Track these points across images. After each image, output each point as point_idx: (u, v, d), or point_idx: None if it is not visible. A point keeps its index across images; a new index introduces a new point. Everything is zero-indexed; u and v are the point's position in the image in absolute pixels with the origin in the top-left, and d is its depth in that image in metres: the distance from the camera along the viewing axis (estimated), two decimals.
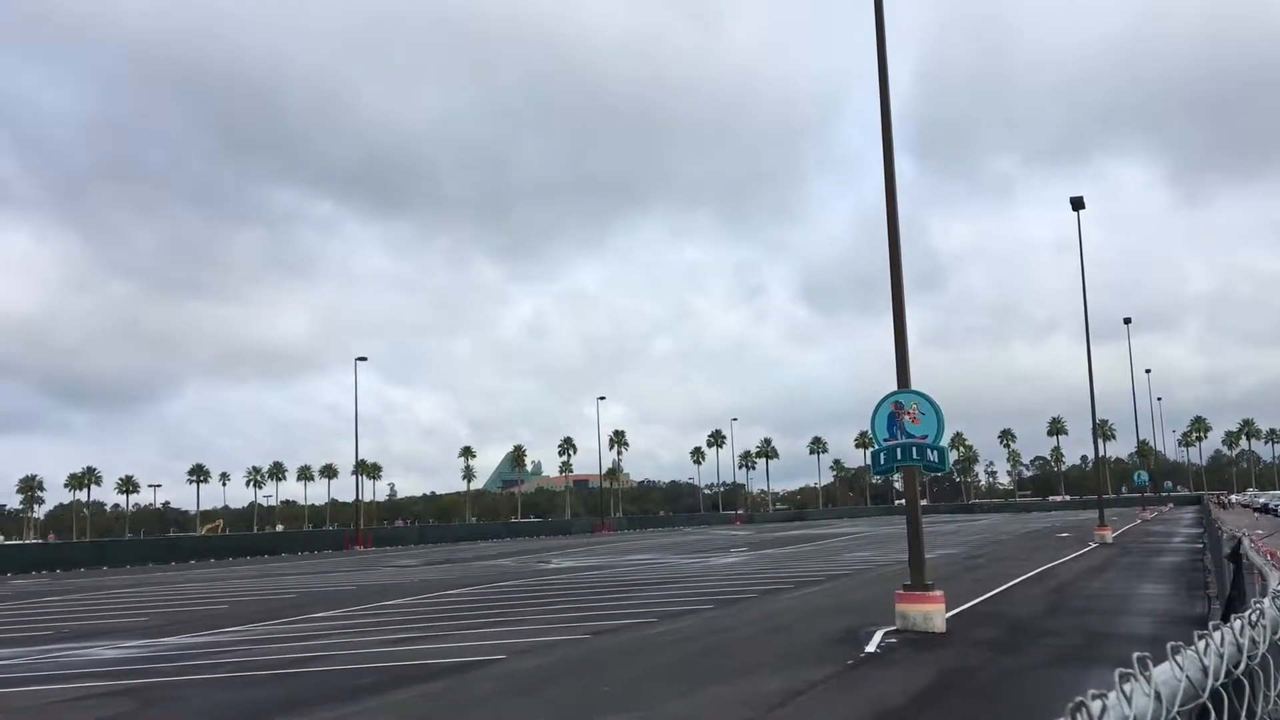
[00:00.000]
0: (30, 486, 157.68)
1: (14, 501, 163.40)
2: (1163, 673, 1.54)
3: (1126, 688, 1.38)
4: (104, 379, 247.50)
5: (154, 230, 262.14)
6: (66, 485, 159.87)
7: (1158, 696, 1.43)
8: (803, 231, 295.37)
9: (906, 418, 16.22)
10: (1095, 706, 1.23)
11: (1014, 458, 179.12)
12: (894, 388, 16.73)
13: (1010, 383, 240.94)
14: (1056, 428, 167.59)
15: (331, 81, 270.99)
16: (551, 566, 37.54)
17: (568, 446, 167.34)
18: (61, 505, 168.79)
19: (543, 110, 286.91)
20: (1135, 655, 1.51)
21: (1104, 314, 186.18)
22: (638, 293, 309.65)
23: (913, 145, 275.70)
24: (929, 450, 16.15)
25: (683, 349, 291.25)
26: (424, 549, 64.86)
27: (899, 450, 16.29)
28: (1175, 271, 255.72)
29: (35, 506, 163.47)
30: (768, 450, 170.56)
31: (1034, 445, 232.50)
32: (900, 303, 16.90)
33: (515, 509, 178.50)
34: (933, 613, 15.43)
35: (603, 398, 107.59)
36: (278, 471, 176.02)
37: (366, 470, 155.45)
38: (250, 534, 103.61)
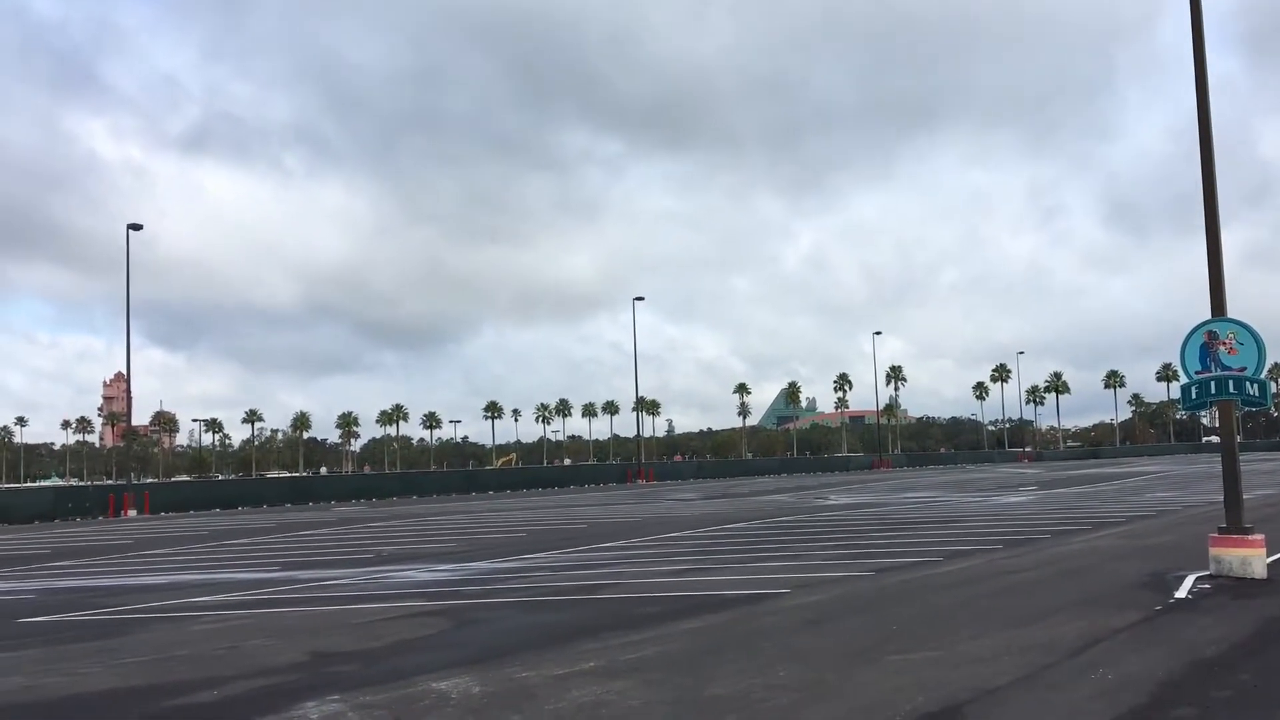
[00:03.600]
0: (347, 422, 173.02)
1: (333, 436, 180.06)
2: None
3: None
4: (410, 322, 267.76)
5: (455, 178, 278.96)
6: (378, 421, 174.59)
7: None
8: (1111, 146, 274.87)
9: (1222, 348, 14.88)
10: None
11: None
12: (1206, 315, 15.36)
13: None
14: None
15: (625, 15, 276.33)
16: (829, 503, 37.43)
17: (843, 382, 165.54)
18: (374, 439, 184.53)
19: (834, 31, 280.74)
20: None
21: None
22: (924, 222, 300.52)
23: (1245, 40, 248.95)
24: (1248, 383, 14.77)
25: (970, 279, 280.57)
26: (701, 484, 66.29)
27: (1213, 383, 15.00)
28: None
29: (352, 440, 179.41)
30: (1058, 384, 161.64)
31: None
32: (1214, 219, 15.41)
33: (790, 445, 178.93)
34: (1251, 557, 14.21)
35: (879, 332, 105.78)
36: (564, 408, 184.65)
37: (646, 407, 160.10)
38: (540, 467, 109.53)
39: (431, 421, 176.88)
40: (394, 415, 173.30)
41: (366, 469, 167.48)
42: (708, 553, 20.39)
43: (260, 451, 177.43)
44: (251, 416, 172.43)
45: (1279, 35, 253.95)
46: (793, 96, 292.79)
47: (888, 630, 11.02)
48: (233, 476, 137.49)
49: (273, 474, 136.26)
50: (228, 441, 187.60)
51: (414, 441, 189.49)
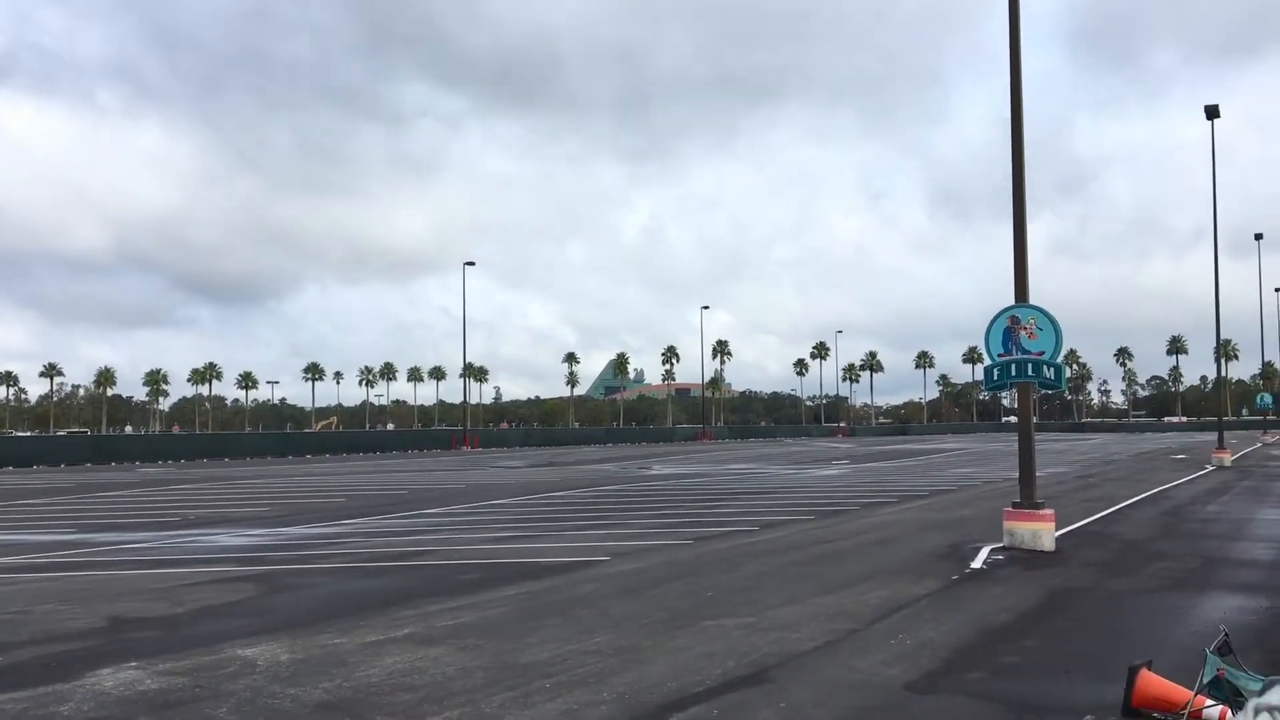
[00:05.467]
0: (155, 380, 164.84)
1: (140, 394, 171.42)
2: None
3: None
4: (230, 276, 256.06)
5: (286, 127, 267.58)
6: (189, 380, 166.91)
7: None
8: (939, 133, 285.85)
9: (1023, 333, 15.77)
10: None
11: (1130, 377, 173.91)
12: (1013, 302, 16.26)
13: (1138, 299, 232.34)
14: (1176, 346, 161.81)
15: None
16: (653, 473, 37.99)
17: (671, 355, 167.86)
18: (184, 399, 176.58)
19: (685, 1, 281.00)
20: None
21: (1259, 225, 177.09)
22: (760, 197, 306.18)
23: (1069, 37, 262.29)
24: (1045, 367, 15.71)
25: (800, 257, 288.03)
26: (528, 452, 66.23)
27: (1014, 366, 15.89)
28: None
29: (160, 399, 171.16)
30: (872, 363, 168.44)
31: (1151, 365, 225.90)
32: (1021, 212, 16.29)
33: (617, 416, 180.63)
34: (1041, 531, 15.16)
35: (706, 307, 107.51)
36: (389, 372, 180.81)
37: (473, 373, 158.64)
38: (362, 431, 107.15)
39: (247, 382, 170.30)
40: (207, 374, 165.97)
41: (176, 429, 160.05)
42: (531, 520, 20.39)
43: (60, 408, 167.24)
44: (50, 371, 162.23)
45: (1099, 35, 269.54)
46: (640, 65, 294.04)
47: (703, 597, 11.26)
48: (28, 433, 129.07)
49: (72, 430, 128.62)
50: (23, 396, 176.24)
51: (228, 402, 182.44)
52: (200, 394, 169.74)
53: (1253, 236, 57.17)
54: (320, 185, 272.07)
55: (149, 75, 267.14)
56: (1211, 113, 38.01)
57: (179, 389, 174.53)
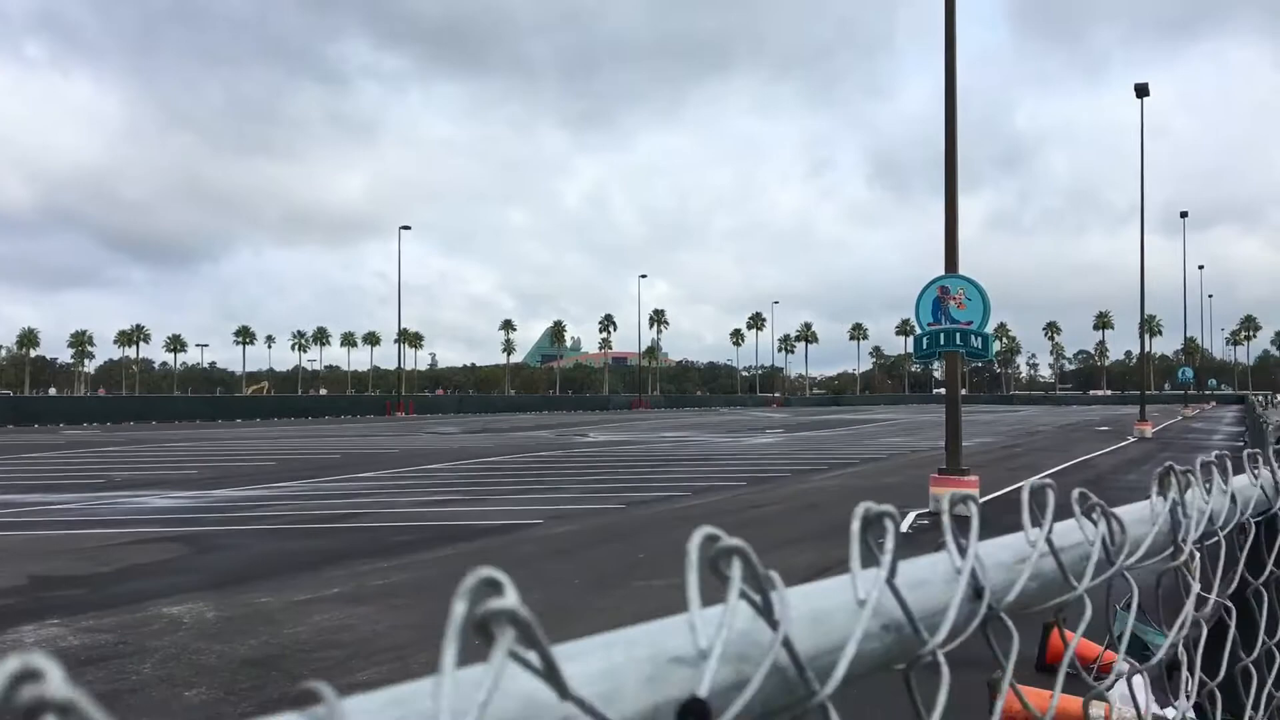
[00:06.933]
0: (81, 341, 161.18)
1: (65, 355, 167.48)
2: (1240, 480, 1.57)
3: (1207, 484, 1.40)
4: (162, 235, 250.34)
5: (222, 82, 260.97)
6: (116, 342, 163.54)
7: (1233, 498, 1.46)
8: (883, 105, 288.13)
9: (952, 303, 16.06)
10: (1184, 495, 1.23)
11: (1057, 350, 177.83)
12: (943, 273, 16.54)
13: (1070, 273, 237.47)
14: (1103, 321, 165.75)
15: None
16: (588, 440, 38.09)
17: (608, 323, 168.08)
18: (111, 361, 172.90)
19: None
20: (1215, 454, 1.53)
21: (1190, 203, 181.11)
22: (704, 166, 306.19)
23: (1014, 15, 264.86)
24: (973, 336, 16.03)
25: (740, 227, 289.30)
26: (463, 418, 65.96)
27: (942, 335, 16.19)
28: (1270, 159, 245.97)
29: (86, 361, 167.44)
30: (807, 334, 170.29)
31: (1079, 339, 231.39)
32: (953, 183, 16.57)
33: (554, 384, 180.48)
34: (966, 496, 15.51)
35: (644, 275, 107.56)
36: (322, 336, 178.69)
37: (409, 339, 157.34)
38: (295, 396, 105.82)
39: (176, 345, 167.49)
40: (134, 336, 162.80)
41: (102, 391, 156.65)
42: (465, 485, 20.37)
43: None
44: None
45: (1043, 13, 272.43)
46: (588, 29, 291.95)
47: (634, 559, 11.39)
48: None
49: None
50: None
51: (156, 365, 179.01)
52: (127, 357, 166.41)
53: (1179, 215, 58.71)
54: (256, 144, 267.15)
55: (80, 27, 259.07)
56: (1141, 91, 38.81)
57: (105, 351, 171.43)
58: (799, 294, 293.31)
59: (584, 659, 0.51)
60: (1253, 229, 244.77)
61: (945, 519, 0.83)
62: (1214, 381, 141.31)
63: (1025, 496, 0.89)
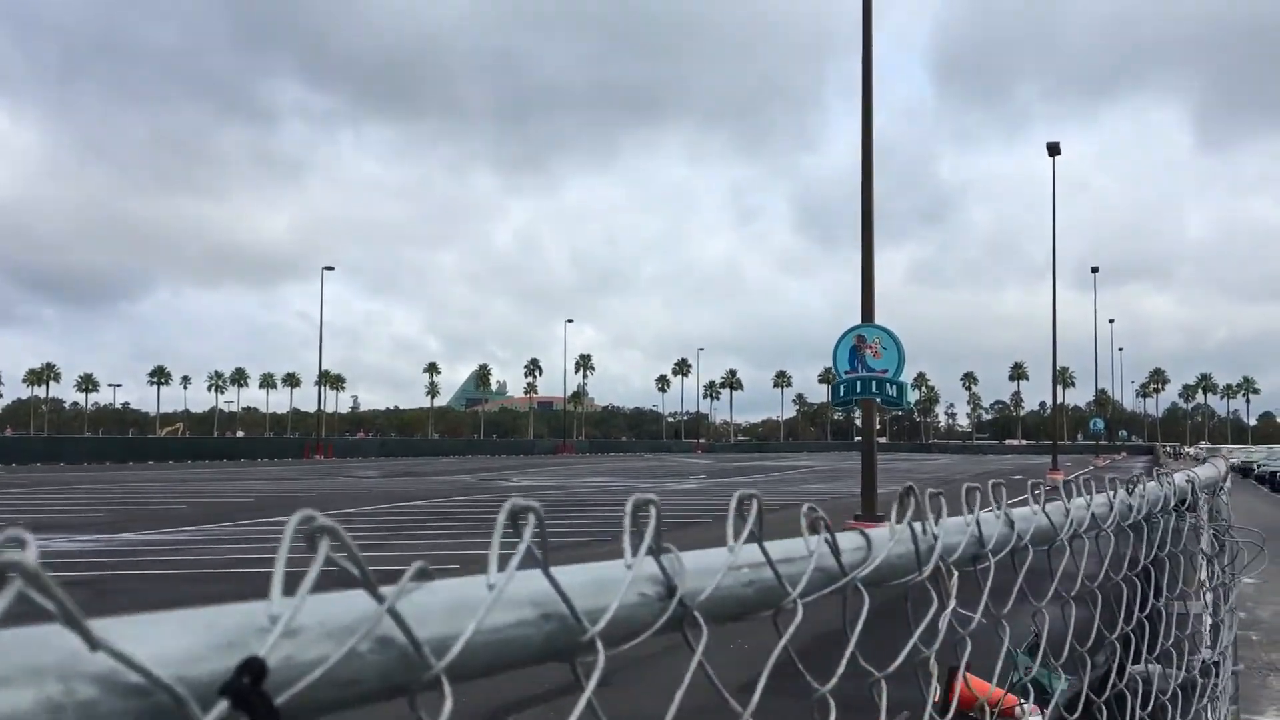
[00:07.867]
0: None
1: None
2: (1021, 510, 1.63)
3: (984, 513, 1.46)
4: (76, 273, 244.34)
5: (144, 119, 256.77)
6: (25, 380, 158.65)
7: (1009, 522, 1.51)
8: (810, 156, 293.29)
9: (868, 351, 16.35)
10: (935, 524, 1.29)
11: (974, 400, 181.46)
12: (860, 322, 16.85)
13: (987, 325, 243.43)
14: (1018, 373, 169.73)
15: None
16: (510, 484, 37.82)
17: (534, 368, 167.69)
18: (19, 400, 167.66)
19: (569, 12, 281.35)
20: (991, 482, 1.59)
21: (1105, 258, 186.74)
22: (634, 212, 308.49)
23: (941, 67, 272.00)
24: (888, 384, 16.32)
25: (668, 273, 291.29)
26: (384, 462, 65.07)
27: (858, 383, 16.45)
28: (1181, 218, 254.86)
29: None
30: (732, 381, 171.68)
31: (995, 389, 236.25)
32: (869, 235, 16.95)
33: (478, 428, 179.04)
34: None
35: (571, 320, 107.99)
36: (240, 377, 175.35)
37: (330, 381, 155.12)
38: (210, 438, 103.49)
39: (88, 384, 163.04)
40: (44, 375, 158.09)
41: (9, 431, 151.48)
42: (382, 529, 20.06)
43: None
44: None
45: (966, 69, 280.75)
46: (522, 74, 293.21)
47: None
48: None
49: None
50: None
51: (66, 405, 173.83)
52: (36, 396, 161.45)
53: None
54: (178, 182, 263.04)
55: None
56: (1053, 149, 40.17)
57: (13, 390, 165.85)
58: (725, 341, 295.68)
59: (163, 626, 0.53)
60: (1164, 286, 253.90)
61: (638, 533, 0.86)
62: (1124, 433, 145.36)
63: (732, 505, 0.93)
